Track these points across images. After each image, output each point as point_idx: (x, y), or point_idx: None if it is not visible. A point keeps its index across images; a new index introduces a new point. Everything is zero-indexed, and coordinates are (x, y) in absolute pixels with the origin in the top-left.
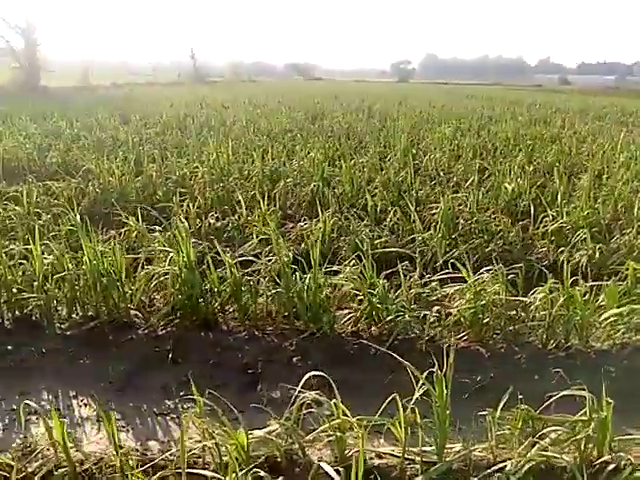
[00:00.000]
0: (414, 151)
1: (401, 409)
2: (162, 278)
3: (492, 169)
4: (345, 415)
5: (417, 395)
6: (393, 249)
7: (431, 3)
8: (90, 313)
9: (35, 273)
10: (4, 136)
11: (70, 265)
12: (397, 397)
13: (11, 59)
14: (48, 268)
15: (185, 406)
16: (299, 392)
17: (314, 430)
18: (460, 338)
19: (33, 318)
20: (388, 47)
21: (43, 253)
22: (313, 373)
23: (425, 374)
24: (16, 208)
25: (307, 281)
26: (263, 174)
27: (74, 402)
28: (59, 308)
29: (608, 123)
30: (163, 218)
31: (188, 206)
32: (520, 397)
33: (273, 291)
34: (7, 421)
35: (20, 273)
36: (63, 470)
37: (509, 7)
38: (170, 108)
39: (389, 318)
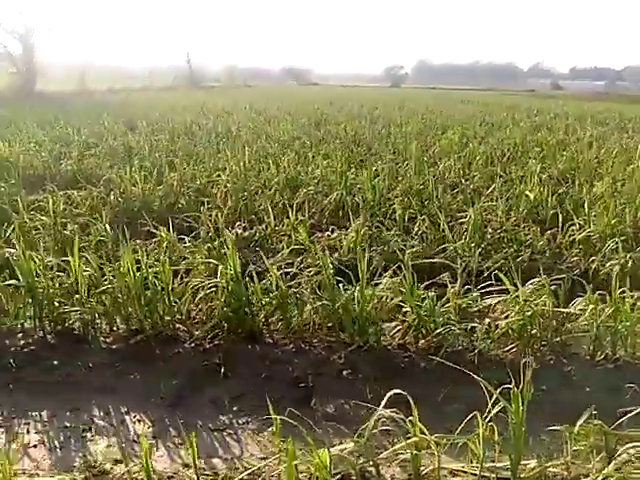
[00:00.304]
0: (425, 158)
1: (481, 426)
2: (208, 290)
3: (506, 176)
4: (422, 433)
5: (494, 412)
6: (433, 260)
7: (424, 9)
8: (134, 327)
9: (75, 286)
10: (15, 143)
11: (110, 277)
12: (477, 414)
13: (8, 64)
14: (86, 280)
15: (240, 421)
16: (372, 409)
17: (385, 448)
18: (508, 350)
19: (75, 332)
20: (381, 52)
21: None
22: (395, 391)
23: (499, 390)
24: (43, 218)
25: (355, 293)
26: (284, 182)
27: (127, 418)
28: (99, 321)
29: (609, 129)
30: (187, 228)
31: (216, 215)
32: (594, 412)
33: (318, 303)
34: (62, 438)
35: (57, 285)
36: None
37: (501, 12)
38: (174, 114)
39: (438, 331)
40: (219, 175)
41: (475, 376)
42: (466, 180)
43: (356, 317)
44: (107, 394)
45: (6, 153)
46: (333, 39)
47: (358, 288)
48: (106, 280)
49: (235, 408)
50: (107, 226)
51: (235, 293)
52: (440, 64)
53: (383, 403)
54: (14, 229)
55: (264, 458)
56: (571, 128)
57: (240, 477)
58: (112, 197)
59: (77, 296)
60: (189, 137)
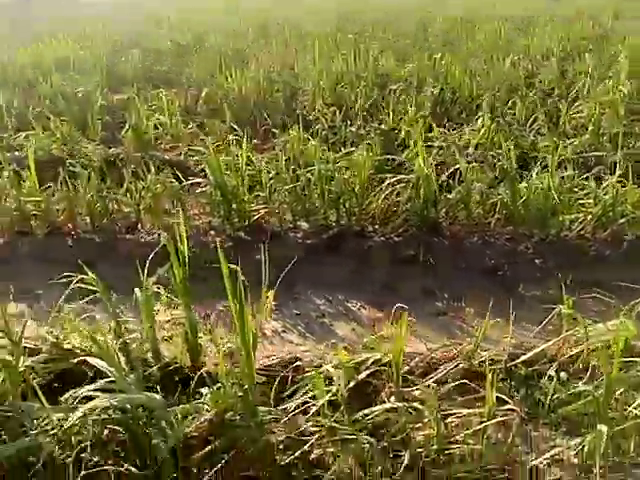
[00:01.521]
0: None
1: None
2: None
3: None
4: None
5: None
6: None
7: None
8: (320, 223)
9: (261, 183)
10: None
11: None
12: None
13: None
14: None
15: (455, 306)
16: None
17: None
18: None
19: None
20: None
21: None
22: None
23: None
24: (160, 117)
25: (536, 185)
26: (374, 79)
27: (351, 306)
28: (285, 218)
29: None
30: (304, 127)
31: (333, 114)
32: None
33: (499, 197)
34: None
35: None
36: None
37: None
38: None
39: (621, 221)
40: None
41: None
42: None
43: (539, 209)
44: (320, 285)
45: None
46: None
47: (538, 180)
48: (286, 177)
49: (446, 295)
50: (234, 125)
51: (425, 189)
52: None
53: None
54: (128, 130)
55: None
56: None
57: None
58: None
59: (262, 194)
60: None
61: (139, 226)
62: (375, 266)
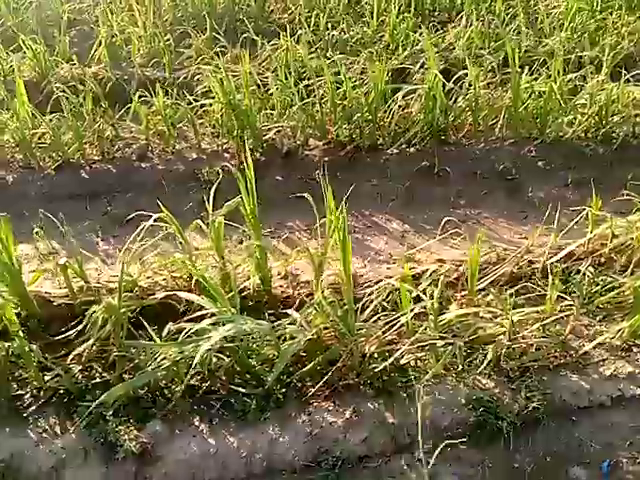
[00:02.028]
0: None
1: None
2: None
3: None
4: None
5: None
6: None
7: None
8: (330, 139)
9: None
10: None
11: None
12: None
13: None
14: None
15: (472, 213)
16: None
17: None
18: None
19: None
20: None
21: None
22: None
23: None
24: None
25: (539, 86)
26: None
27: (378, 220)
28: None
29: None
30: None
31: (317, 17)
32: None
33: (501, 103)
34: None
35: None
36: None
37: None
38: None
39: (615, 120)
40: None
41: None
42: None
43: (537, 112)
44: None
45: None
46: None
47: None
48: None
49: (462, 202)
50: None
51: (434, 97)
52: None
53: None
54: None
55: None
56: None
57: None
58: None
59: (274, 111)
60: None
61: (149, 152)
62: (394, 179)
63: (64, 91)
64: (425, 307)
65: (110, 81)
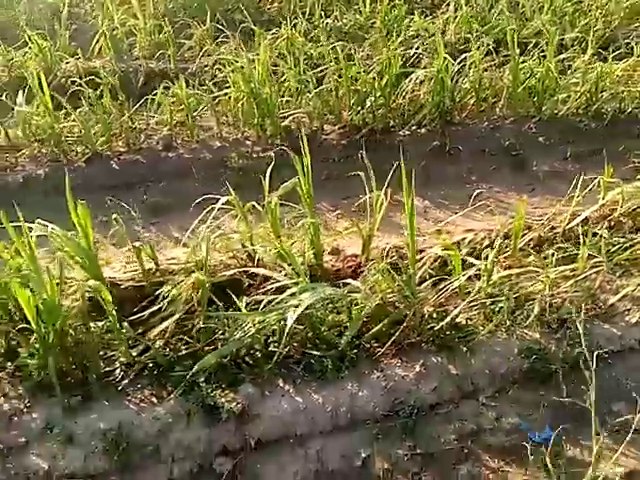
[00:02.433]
0: None
1: None
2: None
3: None
4: None
5: None
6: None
7: None
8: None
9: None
10: None
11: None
12: None
13: None
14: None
15: (483, 186)
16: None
17: None
18: None
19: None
20: None
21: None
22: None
23: None
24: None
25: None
26: None
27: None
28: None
29: None
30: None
31: (312, 7)
32: None
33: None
34: None
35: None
36: None
37: None
38: None
39: (604, 96)
40: None
41: None
42: None
43: (535, 91)
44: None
45: None
46: None
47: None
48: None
49: (474, 178)
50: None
51: (442, 80)
52: None
53: None
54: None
55: None
56: None
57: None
58: None
59: (291, 99)
60: None
61: (174, 142)
62: (409, 158)
63: (80, 85)
64: (479, 269)
65: (115, 74)
